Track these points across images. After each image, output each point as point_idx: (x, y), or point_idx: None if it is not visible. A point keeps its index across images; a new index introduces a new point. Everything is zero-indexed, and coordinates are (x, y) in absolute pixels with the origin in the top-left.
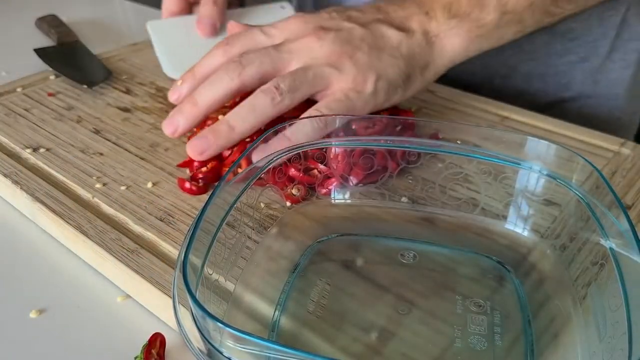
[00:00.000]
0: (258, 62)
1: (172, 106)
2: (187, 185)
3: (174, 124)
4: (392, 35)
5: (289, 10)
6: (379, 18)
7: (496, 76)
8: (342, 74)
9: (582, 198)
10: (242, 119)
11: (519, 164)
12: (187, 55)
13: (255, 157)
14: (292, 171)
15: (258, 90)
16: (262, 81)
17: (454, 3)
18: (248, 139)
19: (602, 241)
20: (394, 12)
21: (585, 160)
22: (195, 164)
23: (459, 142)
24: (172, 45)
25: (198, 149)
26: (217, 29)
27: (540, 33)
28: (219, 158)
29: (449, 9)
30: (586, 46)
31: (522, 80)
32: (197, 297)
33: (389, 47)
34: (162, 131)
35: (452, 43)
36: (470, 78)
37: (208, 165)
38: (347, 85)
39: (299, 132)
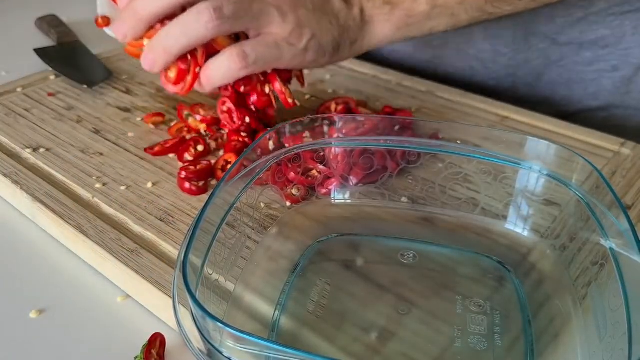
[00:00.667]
0: None
1: (173, 107)
2: (187, 185)
3: (118, 31)
4: (336, 3)
5: None
6: None
7: (521, 83)
8: (283, 22)
9: (582, 198)
10: (174, 38)
11: (519, 164)
12: None
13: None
14: (292, 174)
15: (193, 9)
16: None
17: None
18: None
19: (602, 241)
20: None
21: (585, 160)
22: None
23: (459, 142)
24: None
25: (145, 64)
26: None
27: (570, 40)
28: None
29: None
30: (618, 54)
31: (548, 88)
32: (197, 297)
33: (330, 13)
34: (162, 131)
35: (382, 28)
36: (496, 84)
37: (198, 166)
38: (282, 33)
39: (216, 69)
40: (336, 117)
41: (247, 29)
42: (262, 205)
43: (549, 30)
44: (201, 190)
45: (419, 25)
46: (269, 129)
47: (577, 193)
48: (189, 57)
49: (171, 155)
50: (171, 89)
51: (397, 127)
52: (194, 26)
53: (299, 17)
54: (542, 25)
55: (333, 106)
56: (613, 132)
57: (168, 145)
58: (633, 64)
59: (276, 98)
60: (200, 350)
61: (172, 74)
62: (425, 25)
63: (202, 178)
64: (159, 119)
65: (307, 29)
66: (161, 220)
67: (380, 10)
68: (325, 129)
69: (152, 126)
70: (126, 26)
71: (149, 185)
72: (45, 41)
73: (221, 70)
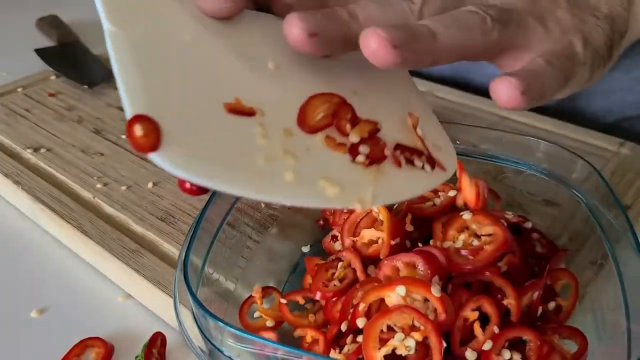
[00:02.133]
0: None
1: None
2: (188, 185)
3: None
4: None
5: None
6: None
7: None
8: (546, 32)
9: (581, 198)
10: (451, 31)
11: (518, 164)
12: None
13: None
14: None
15: (459, 10)
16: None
17: None
18: None
19: (602, 241)
20: None
21: (585, 160)
22: None
23: (457, 142)
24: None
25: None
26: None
27: None
28: None
29: None
30: None
31: (585, 98)
32: (197, 296)
33: (588, 4)
34: None
35: None
36: None
37: None
38: (550, 47)
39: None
40: None
41: (504, 50)
42: (263, 205)
43: None
44: (202, 190)
45: None
46: None
47: (577, 193)
48: None
49: None
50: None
51: None
52: (469, 23)
53: (559, 23)
54: None
55: None
56: None
57: None
58: None
59: None
60: (201, 350)
61: None
62: None
63: None
64: None
65: (575, 33)
66: (162, 220)
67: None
68: None
69: None
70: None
71: (150, 185)
72: (46, 41)
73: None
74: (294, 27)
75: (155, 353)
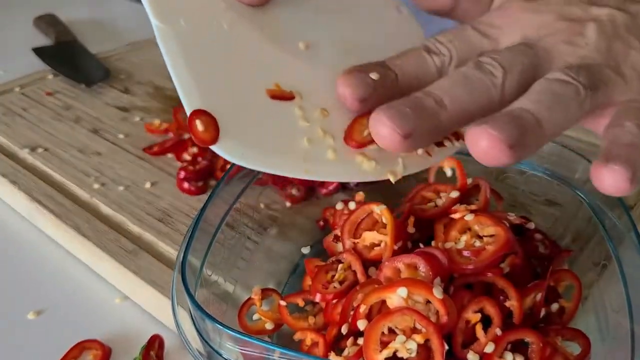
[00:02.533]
0: (520, 67)
1: (172, 106)
2: (186, 185)
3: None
4: None
5: (406, 16)
6: None
7: None
8: (624, 82)
9: (583, 199)
10: (551, 117)
11: (520, 165)
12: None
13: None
14: None
15: (552, 81)
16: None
17: None
18: None
19: (605, 242)
20: None
21: (588, 160)
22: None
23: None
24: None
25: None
26: None
27: None
28: (210, 159)
29: None
30: None
31: None
32: (196, 298)
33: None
34: (162, 131)
35: None
36: None
37: (197, 166)
38: (633, 97)
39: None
40: None
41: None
42: (262, 205)
43: None
44: (200, 190)
45: None
46: None
47: (579, 194)
48: None
49: (170, 155)
50: None
51: None
52: (565, 96)
53: (635, 67)
54: None
55: None
56: None
57: (167, 145)
58: None
59: None
60: (199, 352)
61: None
62: None
63: (201, 178)
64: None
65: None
66: (160, 221)
67: None
68: None
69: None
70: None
71: (148, 185)
72: (44, 40)
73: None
74: (385, 128)
75: (153, 355)
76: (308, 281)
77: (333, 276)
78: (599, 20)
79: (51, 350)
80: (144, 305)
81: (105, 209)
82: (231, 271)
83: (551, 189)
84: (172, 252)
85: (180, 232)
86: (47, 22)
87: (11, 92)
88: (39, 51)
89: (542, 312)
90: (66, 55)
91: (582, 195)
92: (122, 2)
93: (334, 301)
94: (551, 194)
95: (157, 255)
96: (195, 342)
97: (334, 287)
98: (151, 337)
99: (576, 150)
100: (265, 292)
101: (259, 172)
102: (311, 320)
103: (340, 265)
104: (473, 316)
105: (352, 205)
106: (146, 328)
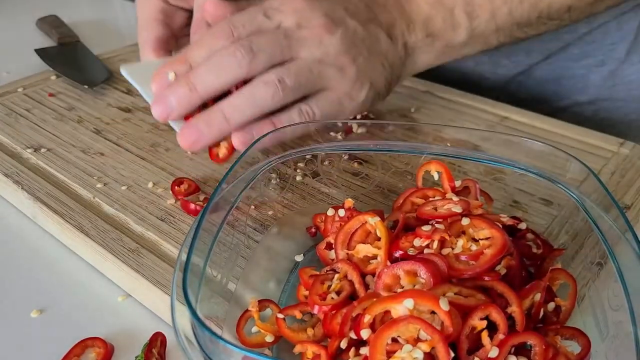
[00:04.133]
0: (269, 50)
1: None
2: (216, 151)
3: (167, 107)
4: (383, 40)
5: None
6: (371, 17)
7: (512, 81)
8: (343, 78)
9: (577, 200)
10: (240, 111)
11: (516, 167)
12: None
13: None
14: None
15: (259, 81)
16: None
17: (431, 20)
18: None
19: (601, 241)
20: (380, 14)
21: (582, 162)
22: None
23: (448, 144)
24: None
25: (189, 139)
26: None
27: (556, 37)
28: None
29: (426, 26)
30: (604, 49)
31: (537, 84)
32: (198, 298)
33: (380, 53)
34: (163, 131)
35: (423, 59)
36: (486, 81)
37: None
38: (344, 90)
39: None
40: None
41: (310, 92)
42: (262, 205)
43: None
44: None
45: (456, 52)
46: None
47: (573, 195)
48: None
49: (170, 155)
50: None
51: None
52: (262, 97)
53: (357, 69)
54: None
55: None
56: (602, 124)
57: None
58: (618, 58)
59: None
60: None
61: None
62: (461, 52)
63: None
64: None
65: (366, 79)
66: (162, 220)
67: (423, 42)
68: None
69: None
70: (177, 102)
71: (150, 185)
72: (46, 41)
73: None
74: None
75: (155, 353)
76: (303, 291)
77: (329, 286)
78: (348, 27)
79: (54, 348)
80: (146, 303)
81: (107, 209)
82: (232, 270)
83: (548, 189)
84: (174, 251)
85: (182, 232)
86: (50, 23)
87: (14, 93)
88: (41, 52)
89: (541, 313)
90: (69, 56)
91: (576, 197)
92: (125, 4)
93: (333, 312)
94: (548, 193)
95: (159, 254)
96: (194, 347)
97: (332, 299)
98: (153, 335)
99: (574, 149)
100: (262, 304)
101: (258, 172)
102: (310, 332)
103: (336, 276)
104: (479, 323)
105: (341, 212)
106: (148, 326)
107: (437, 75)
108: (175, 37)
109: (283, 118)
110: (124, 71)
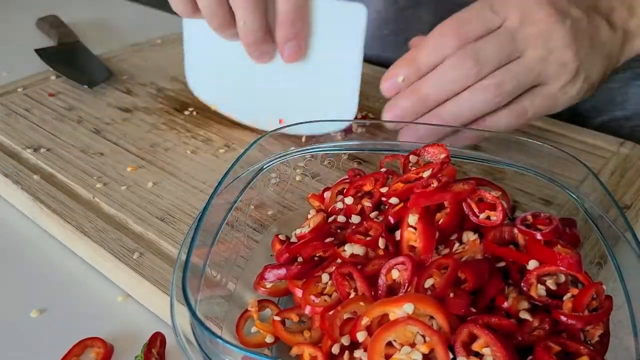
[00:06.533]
0: (497, 59)
1: (174, 107)
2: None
3: (400, 115)
4: (603, 29)
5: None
6: (592, 5)
7: None
8: (563, 74)
9: (577, 200)
10: (456, 118)
11: (516, 166)
12: (215, 74)
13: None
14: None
15: (479, 86)
16: None
17: None
18: None
19: (601, 241)
20: (600, 0)
21: (582, 163)
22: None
23: (448, 144)
24: (203, 57)
25: (395, 118)
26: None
27: None
28: None
29: None
30: None
31: None
32: (197, 298)
33: (599, 43)
34: (163, 131)
35: (639, 44)
36: None
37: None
38: (560, 85)
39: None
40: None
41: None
42: (262, 205)
43: None
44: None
45: None
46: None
47: (573, 195)
48: None
49: (170, 155)
50: None
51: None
52: (479, 104)
53: (579, 64)
54: None
55: None
56: None
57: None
58: None
59: None
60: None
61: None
62: None
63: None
64: None
65: (582, 72)
66: (162, 220)
67: (638, 28)
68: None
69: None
70: (410, 110)
71: (150, 185)
72: (46, 42)
73: (500, 124)
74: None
75: (155, 353)
76: (298, 293)
77: (324, 288)
78: (573, 19)
79: (54, 348)
80: (145, 303)
81: (107, 209)
82: (232, 270)
83: (548, 189)
84: (173, 251)
85: (182, 231)
86: (50, 23)
87: (14, 93)
88: (41, 52)
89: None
90: (69, 56)
91: (575, 198)
92: (125, 4)
93: (330, 312)
94: (548, 193)
95: (159, 254)
96: (193, 348)
97: (325, 300)
98: (153, 335)
99: (574, 150)
100: (261, 304)
101: (258, 173)
102: (307, 334)
103: (329, 282)
104: (478, 345)
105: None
106: (148, 326)
107: None
108: None
109: (489, 121)
110: (185, 23)
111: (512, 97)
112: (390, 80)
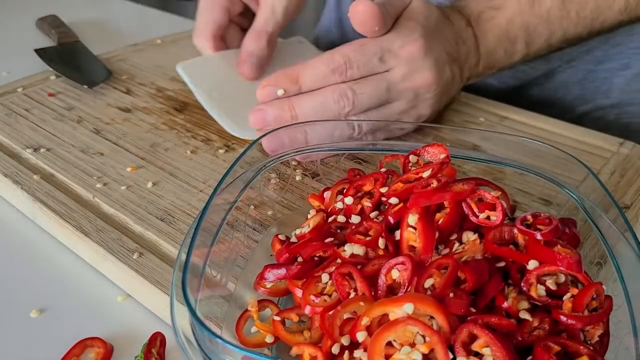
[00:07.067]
0: (369, 102)
1: (174, 107)
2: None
3: (264, 121)
4: (456, 78)
5: (307, 45)
6: (455, 57)
7: (533, 83)
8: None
9: (577, 200)
10: (319, 140)
11: (516, 166)
12: (240, 104)
13: (268, 144)
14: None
15: (332, 94)
16: None
17: (494, 53)
18: None
19: (600, 241)
20: (460, 48)
21: (581, 163)
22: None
23: (447, 144)
24: (219, 93)
25: (272, 147)
26: (264, 71)
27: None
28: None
29: (489, 59)
30: (628, 52)
31: (559, 87)
32: (197, 298)
33: (449, 91)
34: (162, 131)
35: (471, 82)
36: (507, 85)
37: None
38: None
39: (316, 133)
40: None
41: None
42: (262, 205)
43: None
44: None
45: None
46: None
47: (573, 195)
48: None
49: (169, 155)
50: None
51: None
52: (341, 129)
53: (429, 113)
54: None
55: None
56: (626, 129)
57: None
58: None
59: None
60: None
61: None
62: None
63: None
64: None
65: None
66: (161, 220)
67: (480, 73)
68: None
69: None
70: (274, 120)
71: (150, 185)
72: (46, 41)
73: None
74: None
75: (155, 353)
76: (298, 292)
77: (324, 288)
78: (444, 78)
79: (54, 348)
80: (145, 303)
81: (107, 209)
82: (232, 270)
83: (547, 189)
84: (173, 251)
85: (182, 231)
86: (50, 23)
87: (14, 92)
88: (41, 52)
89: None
90: (68, 56)
91: (575, 197)
92: (125, 4)
93: (331, 312)
94: (548, 193)
95: (159, 254)
96: (193, 348)
97: (325, 300)
98: (153, 335)
99: (573, 149)
100: (261, 304)
101: (258, 173)
102: (307, 334)
103: (329, 282)
104: (478, 345)
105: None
106: (148, 326)
107: None
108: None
109: (316, 128)
110: (180, 68)
111: (366, 133)
112: (270, 89)
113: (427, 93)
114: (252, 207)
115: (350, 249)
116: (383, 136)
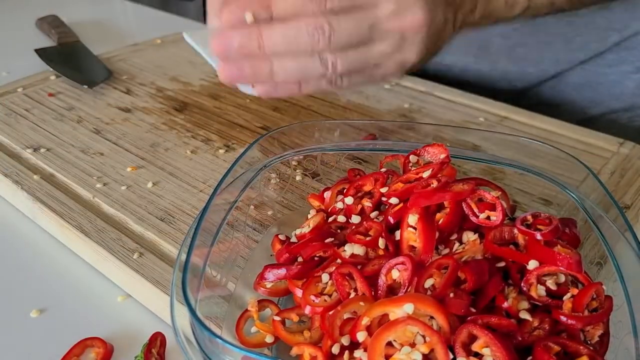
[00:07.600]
0: (347, 40)
1: (174, 107)
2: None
3: (227, 47)
4: (449, 25)
5: None
6: (450, 1)
7: (546, 86)
8: (398, 71)
9: (577, 200)
10: (287, 75)
11: (516, 166)
12: None
13: (226, 72)
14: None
15: (305, 25)
16: None
17: (493, 1)
18: None
19: (600, 241)
20: None
21: (582, 163)
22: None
23: (448, 144)
24: None
25: (230, 75)
26: None
27: (593, 41)
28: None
29: (485, 7)
30: None
31: (571, 89)
32: (197, 298)
33: (440, 37)
34: (162, 131)
35: (462, 32)
36: (520, 86)
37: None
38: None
39: (283, 67)
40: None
41: None
42: (262, 205)
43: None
44: None
45: (494, 23)
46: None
47: (573, 195)
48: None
49: (169, 155)
50: None
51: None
52: (312, 69)
53: (416, 62)
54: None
55: None
56: (639, 133)
57: None
58: None
59: None
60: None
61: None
62: (499, 21)
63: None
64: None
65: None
66: (162, 220)
67: (475, 22)
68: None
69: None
70: (238, 48)
71: (150, 185)
72: (46, 41)
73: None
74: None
75: (155, 353)
76: (298, 292)
77: (324, 288)
78: (435, 22)
79: (54, 348)
80: (145, 303)
81: (107, 209)
82: (232, 270)
83: (547, 189)
84: (173, 251)
85: (182, 231)
86: (50, 23)
87: (14, 93)
88: (41, 52)
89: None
90: (68, 56)
91: (575, 198)
92: (125, 4)
93: (331, 312)
94: (548, 193)
95: (159, 254)
96: (193, 348)
97: (325, 300)
98: (153, 335)
99: (574, 149)
100: (261, 304)
101: (258, 173)
102: (307, 334)
103: (329, 282)
104: (478, 346)
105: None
106: (148, 326)
107: (461, 82)
108: None
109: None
110: (186, 36)
111: (341, 75)
112: (237, 11)
113: (415, 35)
114: (252, 207)
115: (351, 249)
116: (360, 79)
